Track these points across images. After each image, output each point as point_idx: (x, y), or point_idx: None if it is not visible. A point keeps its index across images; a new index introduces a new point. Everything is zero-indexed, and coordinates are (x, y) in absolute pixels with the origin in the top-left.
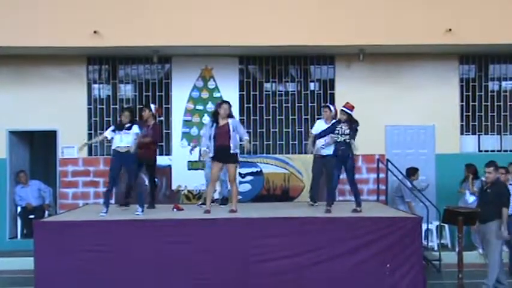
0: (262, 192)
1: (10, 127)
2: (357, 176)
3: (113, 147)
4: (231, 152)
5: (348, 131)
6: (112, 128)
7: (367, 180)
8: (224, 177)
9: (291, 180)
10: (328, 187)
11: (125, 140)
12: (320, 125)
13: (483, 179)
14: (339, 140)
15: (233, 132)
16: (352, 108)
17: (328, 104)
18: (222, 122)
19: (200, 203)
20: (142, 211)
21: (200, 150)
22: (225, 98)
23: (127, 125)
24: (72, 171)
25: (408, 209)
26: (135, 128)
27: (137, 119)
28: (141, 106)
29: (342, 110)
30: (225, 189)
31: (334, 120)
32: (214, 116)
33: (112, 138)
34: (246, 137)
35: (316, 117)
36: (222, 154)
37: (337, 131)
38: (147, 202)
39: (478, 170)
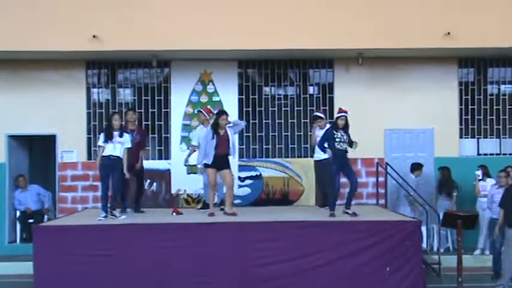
0: (262, 196)
1: (9, 131)
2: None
3: (103, 154)
4: (228, 158)
5: (347, 138)
6: (103, 139)
7: (367, 183)
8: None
9: (290, 184)
10: (330, 192)
11: (118, 149)
12: (319, 133)
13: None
14: (341, 148)
15: (232, 139)
16: (346, 112)
17: (318, 114)
18: (222, 131)
19: (199, 207)
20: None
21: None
22: (224, 102)
23: (117, 133)
24: (71, 176)
25: (412, 207)
26: (127, 142)
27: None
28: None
29: (342, 115)
30: (221, 193)
31: (327, 128)
32: (214, 127)
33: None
34: (243, 123)
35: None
36: (221, 161)
37: (338, 139)
38: (131, 207)
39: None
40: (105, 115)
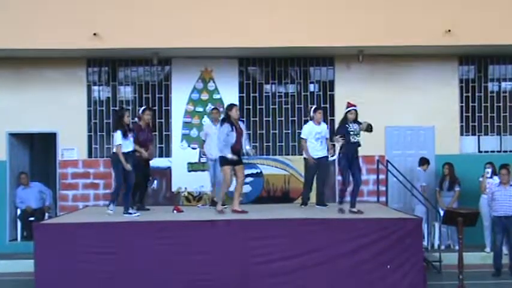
0: (262, 194)
1: (10, 129)
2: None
3: (123, 151)
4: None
5: (359, 131)
6: (121, 136)
7: (367, 181)
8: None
9: (291, 182)
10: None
11: (131, 145)
12: (313, 128)
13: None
14: (355, 140)
15: (245, 134)
16: (355, 105)
17: (317, 106)
18: (237, 126)
19: (201, 204)
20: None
21: (200, 153)
22: (224, 100)
23: (130, 128)
24: (72, 173)
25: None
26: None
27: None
28: (144, 107)
29: (353, 109)
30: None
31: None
32: (229, 120)
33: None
34: (248, 146)
35: None
36: (237, 157)
37: (352, 132)
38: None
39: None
40: (106, 113)
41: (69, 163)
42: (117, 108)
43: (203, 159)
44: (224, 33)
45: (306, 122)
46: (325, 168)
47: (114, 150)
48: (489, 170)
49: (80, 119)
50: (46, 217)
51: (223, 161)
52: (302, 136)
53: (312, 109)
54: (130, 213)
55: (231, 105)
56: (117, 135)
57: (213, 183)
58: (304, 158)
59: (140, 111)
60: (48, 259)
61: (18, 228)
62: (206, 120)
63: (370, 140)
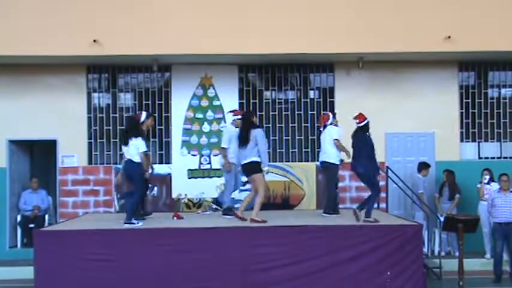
0: None
1: (10, 136)
2: (357, 184)
3: (139, 161)
4: None
5: None
6: (145, 144)
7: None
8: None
9: (291, 188)
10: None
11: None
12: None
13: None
14: None
15: None
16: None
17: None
18: None
19: (201, 211)
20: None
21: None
22: (225, 107)
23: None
24: (72, 180)
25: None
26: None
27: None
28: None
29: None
30: (228, 198)
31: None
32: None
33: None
34: None
35: (315, 124)
36: None
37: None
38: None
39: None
40: (106, 120)
41: (69, 170)
42: (117, 115)
43: (208, 166)
44: (224, 40)
45: (305, 128)
46: (327, 173)
47: (138, 159)
48: (487, 177)
49: (80, 126)
50: (46, 223)
51: (259, 168)
52: (337, 138)
53: (331, 115)
54: (133, 223)
55: (252, 112)
56: (140, 142)
57: (236, 189)
58: (330, 163)
59: (143, 117)
60: (48, 266)
61: (18, 235)
62: (228, 126)
63: None
